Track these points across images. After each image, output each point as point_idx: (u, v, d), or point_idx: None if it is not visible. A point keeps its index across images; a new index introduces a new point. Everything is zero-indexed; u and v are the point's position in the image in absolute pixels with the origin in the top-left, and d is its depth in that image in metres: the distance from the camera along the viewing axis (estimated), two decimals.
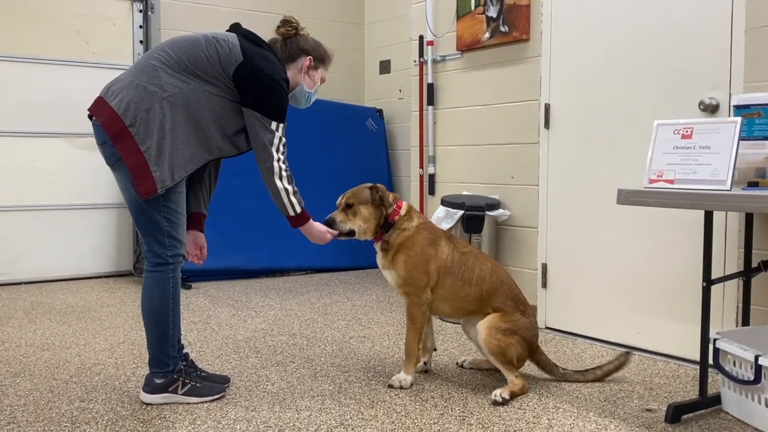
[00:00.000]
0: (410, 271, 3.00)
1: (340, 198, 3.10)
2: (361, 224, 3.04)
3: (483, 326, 2.97)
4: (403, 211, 3.08)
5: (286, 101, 2.79)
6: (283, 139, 2.77)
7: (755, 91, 3.01)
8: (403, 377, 3.03)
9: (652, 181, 2.70)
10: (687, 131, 2.65)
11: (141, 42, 5.77)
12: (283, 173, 2.79)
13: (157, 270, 2.76)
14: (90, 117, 2.74)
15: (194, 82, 2.68)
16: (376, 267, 6.03)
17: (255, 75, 2.69)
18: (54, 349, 3.58)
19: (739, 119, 2.53)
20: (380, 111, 6.64)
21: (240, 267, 5.64)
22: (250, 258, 5.69)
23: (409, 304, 3.04)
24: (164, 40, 2.82)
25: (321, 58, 2.99)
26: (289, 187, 2.82)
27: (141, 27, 5.77)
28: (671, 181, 2.64)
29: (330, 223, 3.04)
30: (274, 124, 2.73)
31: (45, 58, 5.45)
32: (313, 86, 3.00)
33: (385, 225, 3.06)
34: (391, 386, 3.01)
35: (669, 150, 2.68)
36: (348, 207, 3.05)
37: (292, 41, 2.92)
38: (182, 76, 2.67)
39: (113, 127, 2.64)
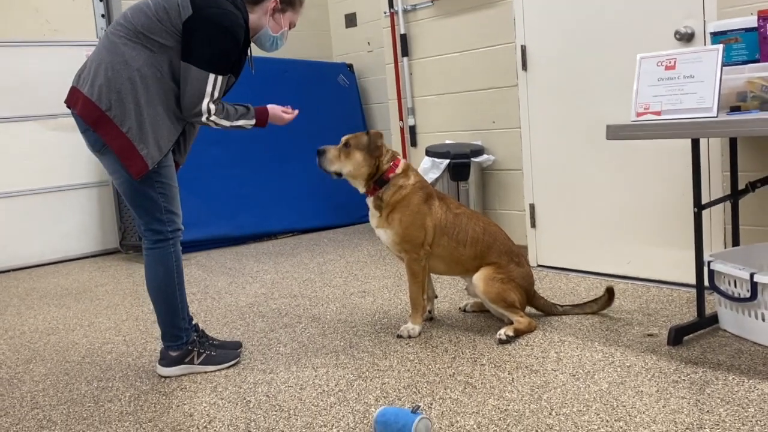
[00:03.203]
0: (407, 228, 3.03)
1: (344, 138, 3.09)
2: (350, 168, 3.02)
3: (479, 278, 3.04)
4: (399, 170, 3.06)
5: (232, 51, 2.68)
6: (216, 95, 2.66)
7: (729, 17, 3.07)
8: (411, 326, 3.10)
9: (639, 114, 2.76)
10: (670, 62, 2.70)
11: (103, 16, 5.65)
12: (220, 121, 2.72)
13: (158, 246, 2.77)
14: (68, 107, 2.73)
15: (155, 49, 2.63)
16: (363, 223, 6.10)
17: (203, 25, 2.61)
18: (59, 332, 3.60)
19: (720, 47, 2.59)
20: (350, 66, 6.60)
21: (228, 234, 5.66)
22: (237, 225, 5.70)
23: (409, 261, 3.08)
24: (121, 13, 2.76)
25: (290, 1, 2.88)
26: (228, 122, 2.74)
27: (101, 0, 5.64)
28: (658, 113, 2.70)
29: (320, 153, 3.03)
30: (211, 78, 2.63)
31: (6, 41, 5.31)
32: (279, 30, 2.89)
33: (379, 181, 3.06)
34: (400, 336, 3.09)
35: (654, 82, 2.74)
36: (345, 146, 3.04)
37: None
38: (142, 45, 2.62)
39: (91, 114, 2.62)
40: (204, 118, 2.68)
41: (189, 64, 2.62)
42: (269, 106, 2.90)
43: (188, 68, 2.63)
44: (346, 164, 3.01)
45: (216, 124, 2.73)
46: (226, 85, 2.73)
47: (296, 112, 2.97)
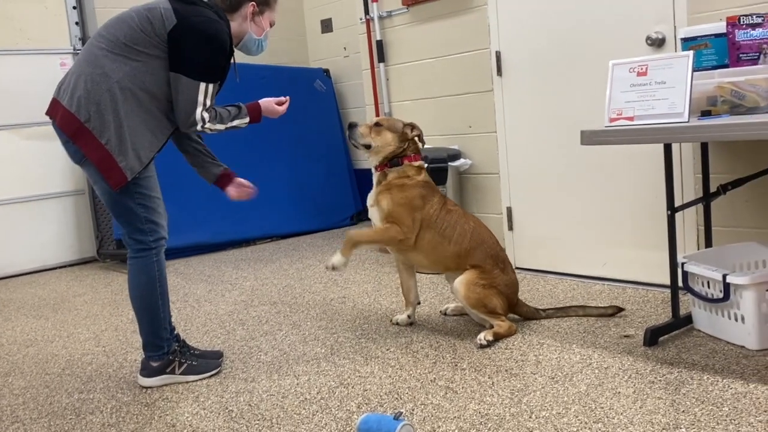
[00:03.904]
0: (395, 206, 3.09)
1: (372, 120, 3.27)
2: (379, 143, 3.18)
3: (460, 283, 3.06)
4: (416, 164, 3.20)
5: (219, 59, 2.70)
6: (207, 103, 2.69)
7: (699, 23, 3.12)
8: (337, 257, 3.11)
9: (612, 120, 2.80)
10: (642, 68, 2.75)
11: (77, 23, 5.61)
12: (215, 127, 2.74)
13: (141, 256, 2.78)
14: (49, 118, 2.73)
15: (138, 60, 2.63)
16: (341, 227, 6.11)
17: (189, 34, 2.63)
18: (38, 344, 3.58)
19: (691, 53, 2.64)
20: (327, 71, 6.62)
21: (206, 241, 5.64)
22: (214, 231, 5.68)
23: (392, 227, 3.09)
24: (101, 25, 2.76)
25: (265, 1, 2.89)
26: (222, 126, 2.77)
27: (75, 8, 5.60)
28: (631, 118, 2.75)
29: (351, 127, 3.21)
30: (202, 87, 2.65)
31: None
32: (261, 33, 2.91)
33: (393, 161, 3.19)
34: (327, 268, 3.12)
35: (626, 88, 2.78)
36: (376, 125, 3.20)
37: None
38: (124, 57, 2.63)
39: (69, 126, 2.63)
40: (199, 127, 2.70)
41: (179, 74, 2.64)
42: (262, 101, 2.94)
43: (178, 78, 2.64)
44: (377, 139, 3.19)
45: (212, 130, 2.75)
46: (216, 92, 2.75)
47: (288, 99, 3.03)
